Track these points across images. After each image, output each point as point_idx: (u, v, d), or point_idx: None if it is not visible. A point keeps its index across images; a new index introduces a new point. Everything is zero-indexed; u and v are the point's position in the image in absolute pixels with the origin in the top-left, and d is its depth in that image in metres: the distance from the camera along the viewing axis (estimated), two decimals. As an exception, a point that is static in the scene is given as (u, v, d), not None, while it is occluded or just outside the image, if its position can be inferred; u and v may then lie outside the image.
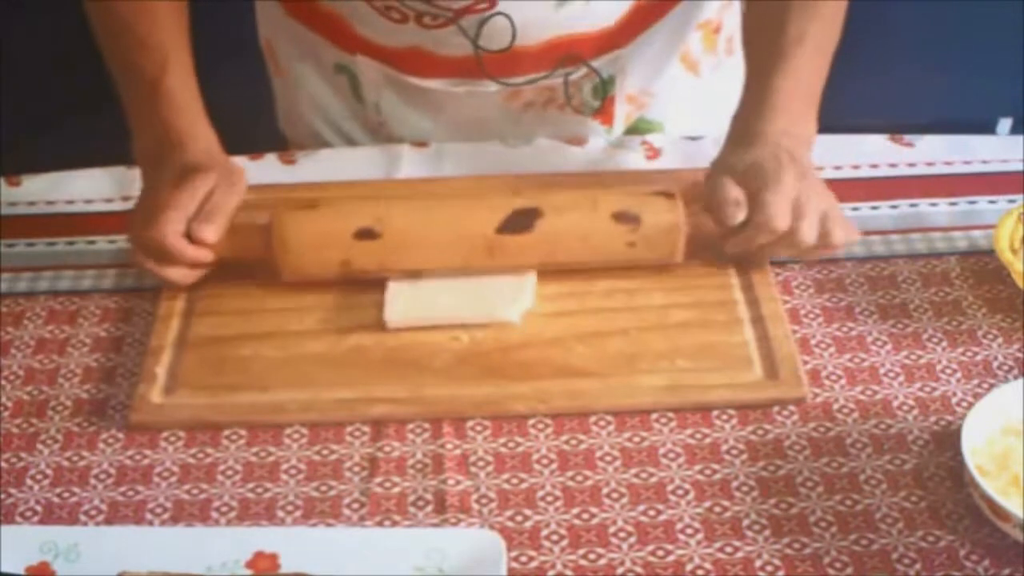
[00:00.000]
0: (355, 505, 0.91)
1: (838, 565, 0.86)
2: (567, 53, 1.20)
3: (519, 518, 0.89)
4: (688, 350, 1.00)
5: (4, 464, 0.94)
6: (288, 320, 1.03)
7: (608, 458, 0.93)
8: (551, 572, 0.86)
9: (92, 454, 0.95)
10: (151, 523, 0.90)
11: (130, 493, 0.92)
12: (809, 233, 1.02)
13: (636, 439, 0.95)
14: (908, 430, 0.95)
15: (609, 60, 1.22)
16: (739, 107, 1.10)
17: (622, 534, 0.88)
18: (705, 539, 0.87)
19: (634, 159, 1.23)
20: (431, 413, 0.96)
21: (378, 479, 0.92)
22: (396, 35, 1.19)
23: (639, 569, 0.86)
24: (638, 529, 0.88)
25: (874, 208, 1.15)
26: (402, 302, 1.03)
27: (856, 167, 1.19)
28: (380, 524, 0.89)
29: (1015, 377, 0.98)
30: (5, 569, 0.84)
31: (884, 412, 0.96)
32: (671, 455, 0.93)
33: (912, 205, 1.16)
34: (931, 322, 1.04)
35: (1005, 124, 2.32)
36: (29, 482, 0.93)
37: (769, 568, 0.86)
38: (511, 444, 0.95)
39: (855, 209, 1.14)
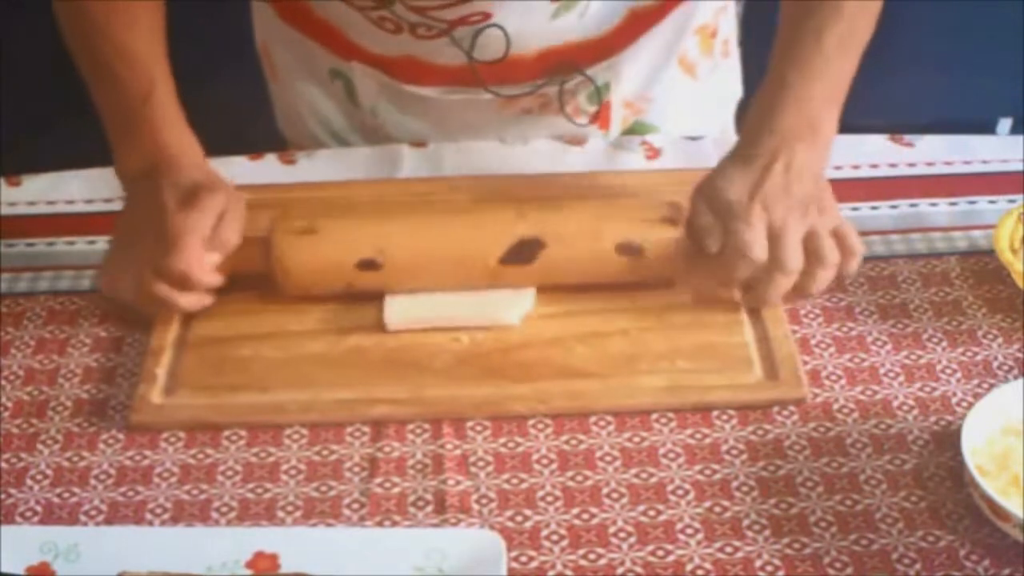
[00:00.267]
0: (355, 505, 0.91)
1: (838, 565, 0.86)
2: (562, 61, 1.20)
3: (519, 518, 0.89)
4: (688, 351, 1.00)
5: (4, 464, 0.94)
6: (288, 321, 1.03)
7: (608, 458, 0.93)
8: (551, 572, 0.86)
9: (92, 454, 0.95)
10: (151, 523, 0.90)
11: (130, 493, 0.92)
12: (792, 258, 0.98)
13: (636, 439, 0.95)
14: (908, 430, 0.95)
15: (604, 67, 1.22)
16: (752, 104, 1.06)
17: (622, 534, 0.88)
18: (705, 539, 0.87)
19: (634, 159, 1.23)
20: (431, 414, 0.96)
21: (378, 479, 0.92)
22: (390, 44, 1.19)
23: (639, 569, 0.86)
24: (638, 529, 0.88)
25: (874, 208, 1.15)
26: (402, 306, 1.03)
27: (856, 167, 1.19)
28: (380, 524, 0.89)
29: (1015, 377, 0.98)
30: (5, 569, 0.84)
31: (884, 412, 0.96)
32: (671, 455, 0.93)
33: (912, 205, 1.16)
34: (931, 322, 1.04)
35: (1005, 124, 2.32)
36: (29, 482, 0.93)
37: (769, 568, 0.86)
38: (511, 444, 0.95)
39: (855, 209, 1.14)
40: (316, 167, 1.23)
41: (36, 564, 0.85)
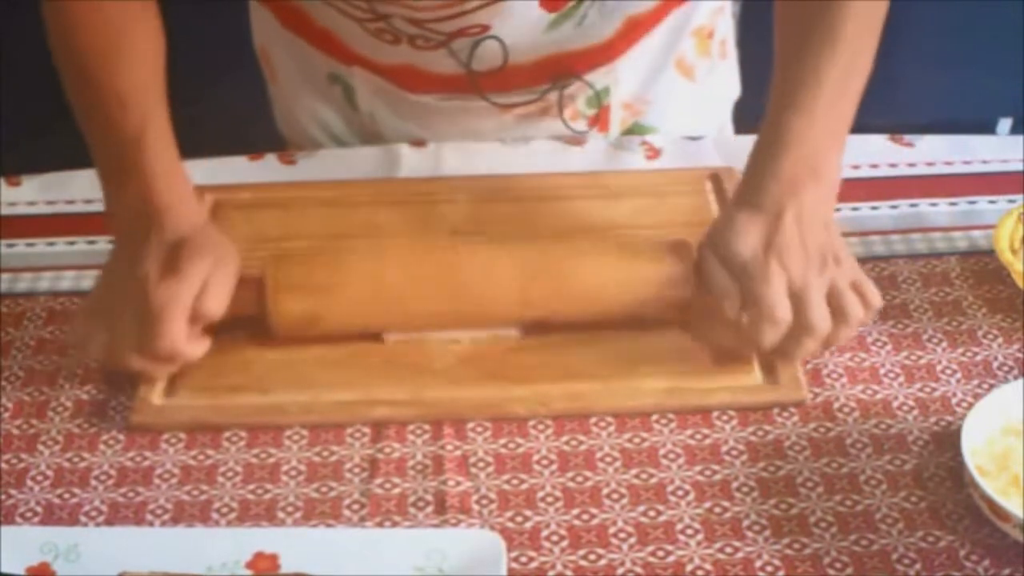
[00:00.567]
0: (355, 506, 0.91)
1: (838, 565, 0.86)
2: (560, 69, 1.20)
3: (519, 519, 0.89)
4: (688, 353, 1.00)
5: (5, 465, 0.94)
6: (288, 321, 1.03)
7: (608, 459, 0.93)
8: (551, 573, 0.86)
9: (93, 455, 0.95)
10: (151, 524, 0.90)
11: (131, 494, 0.92)
12: (820, 319, 0.93)
13: (636, 440, 0.95)
14: (908, 430, 0.95)
15: (603, 73, 1.22)
16: (753, 147, 1.00)
17: (622, 535, 0.88)
18: (705, 540, 0.87)
19: (634, 159, 1.23)
20: (431, 415, 0.96)
21: (378, 480, 0.92)
22: (388, 53, 1.19)
23: (639, 570, 0.86)
24: (638, 530, 0.88)
25: (874, 208, 1.15)
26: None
27: (856, 167, 1.19)
28: (380, 525, 0.89)
29: (1015, 377, 0.98)
30: (5, 570, 0.84)
31: (884, 412, 0.96)
32: (671, 456, 0.93)
33: (912, 205, 1.16)
34: (931, 322, 1.04)
35: (1005, 124, 2.33)
36: (29, 483, 0.93)
37: (769, 568, 0.86)
38: (511, 445, 0.95)
39: (855, 209, 1.14)
40: (316, 167, 1.23)
41: (36, 564, 0.85)
